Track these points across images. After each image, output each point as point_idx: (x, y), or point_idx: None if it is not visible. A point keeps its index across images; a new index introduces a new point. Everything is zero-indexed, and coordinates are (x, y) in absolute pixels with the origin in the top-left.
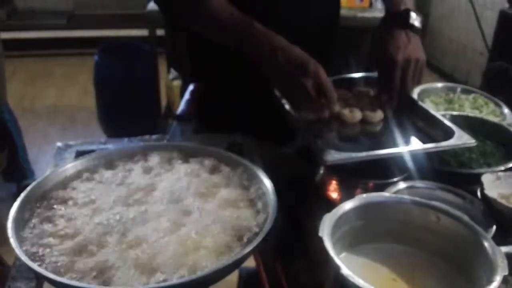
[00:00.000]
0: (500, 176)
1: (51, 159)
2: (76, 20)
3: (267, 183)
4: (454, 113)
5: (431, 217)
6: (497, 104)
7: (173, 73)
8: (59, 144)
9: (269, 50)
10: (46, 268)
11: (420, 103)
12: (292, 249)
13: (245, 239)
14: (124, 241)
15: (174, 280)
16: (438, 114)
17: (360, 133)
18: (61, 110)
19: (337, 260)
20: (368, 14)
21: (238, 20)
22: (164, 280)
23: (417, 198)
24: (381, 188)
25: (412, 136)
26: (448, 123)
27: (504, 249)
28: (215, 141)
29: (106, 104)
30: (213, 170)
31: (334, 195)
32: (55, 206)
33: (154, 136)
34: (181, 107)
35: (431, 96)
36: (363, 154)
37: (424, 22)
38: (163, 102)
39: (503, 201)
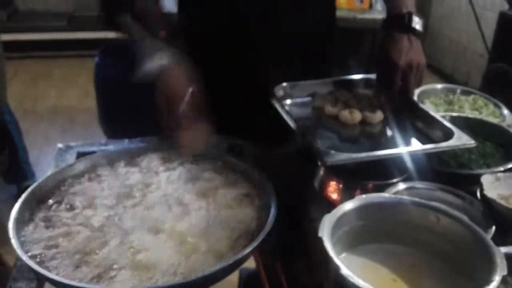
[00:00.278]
0: (499, 177)
1: (52, 160)
2: (77, 22)
3: (267, 183)
4: (454, 114)
5: (431, 218)
6: (496, 105)
7: None
8: (60, 145)
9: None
10: (46, 269)
11: (420, 104)
12: (292, 249)
13: (245, 240)
14: (124, 241)
15: (174, 281)
16: (437, 115)
17: (360, 134)
18: (61, 111)
19: (337, 260)
20: (368, 16)
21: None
22: (163, 281)
23: (416, 199)
24: (381, 188)
25: (412, 137)
26: (447, 124)
27: (504, 249)
28: (215, 142)
29: (107, 106)
30: (213, 171)
31: (334, 195)
32: (55, 207)
33: (154, 138)
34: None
35: (431, 97)
36: (363, 155)
37: (424, 23)
38: None
39: (502, 202)
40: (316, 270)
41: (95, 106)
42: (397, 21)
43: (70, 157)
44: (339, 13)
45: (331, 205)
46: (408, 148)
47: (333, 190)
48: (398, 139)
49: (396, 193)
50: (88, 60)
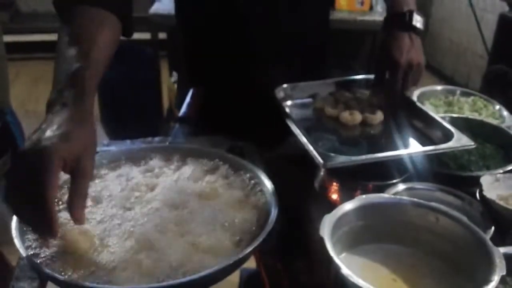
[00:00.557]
0: (498, 178)
1: None
2: None
3: (268, 184)
4: (454, 115)
5: (430, 218)
6: (496, 107)
7: (175, 76)
8: None
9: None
10: (49, 268)
11: (420, 105)
12: (292, 250)
13: (245, 240)
14: (126, 242)
15: (175, 281)
16: (437, 116)
17: (360, 136)
18: None
19: (337, 260)
20: (368, 18)
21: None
22: (165, 280)
23: (416, 199)
24: (380, 189)
25: (412, 138)
26: (447, 125)
27: (503, 249)
28: (216, 143)
29: (109, 107)
30: (214, 172)
31: (334, 196)
32: (57, 207)
33: (156, 138)
34: (183, 109)
35: (431, 98)
36: (363, 157)
37: (425, 21)
38: (165, 104)
39: (501, 203)
40: (317, 270)
41: (97, 107)
42: (398, 20)
43: None
44: (339, 15)
45: (331, 206)
46: (407, 150)
47: (333, 190)
48: (398, 140)
49: (396, 193)
50: None
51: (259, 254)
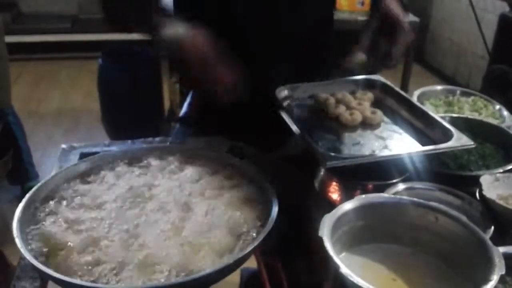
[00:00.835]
0: (498, 178)
1: (56, 161)
2: (80, 24)
3: (268, 184)
4: (454, 115)
5: (430, 218)
6: (496, 107)
7: (176, 76)
8: (63, 146)
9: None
10: (50, 268)
11: (419, 104)
12: (292, 249)
13: (245, 240)
14: (127, 241)
15: (175, 280)
16: (437, 116)
17: (361, 136)
18: (65, 113)
19: (337, 260)
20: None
21: None
22: (165, 280)
23: (416, 199)
24: (380, 189)
25: (412, 138)
26: (447, 125)
27: (502, 249)
28: (216, 143)
29: (110, 107)
30: (214, 172)
31: (334, 196)
32: (59, 207)
33: (157, 139)
34: (183, 110)
35: (431, 99)
36: (363, 157)
37: (425, 25)
38: (166, 105)
39: (501, 202)
40: (316, 270)
41: (98, 107)
42: None
43: (74, 158)
44: (340, 15)
45: (331, 205)
46: (407, 150)
47: (333, 190)
48: (398, 140)
49: (396, 193)
50: (92, 62)
51: (259, 254)
